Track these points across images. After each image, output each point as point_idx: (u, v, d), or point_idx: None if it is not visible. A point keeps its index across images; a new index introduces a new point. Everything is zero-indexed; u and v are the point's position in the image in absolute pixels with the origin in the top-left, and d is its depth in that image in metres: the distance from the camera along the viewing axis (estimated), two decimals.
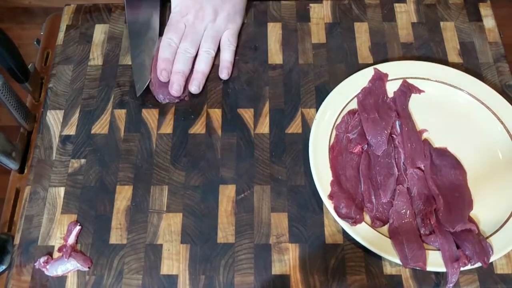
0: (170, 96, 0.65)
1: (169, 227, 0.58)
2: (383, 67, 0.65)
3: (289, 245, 0.57)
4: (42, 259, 0.55)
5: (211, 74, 0.68)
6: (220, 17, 0.67)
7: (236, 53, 0.69)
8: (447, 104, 0.64)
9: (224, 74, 0.67)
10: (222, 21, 0.68)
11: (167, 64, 0.65)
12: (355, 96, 0.64)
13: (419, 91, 0.65)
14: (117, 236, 0.58)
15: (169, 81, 0.65)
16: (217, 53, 0.68)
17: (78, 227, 0.57)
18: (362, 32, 0.70)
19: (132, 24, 0.69)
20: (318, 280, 0.55)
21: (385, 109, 0.62)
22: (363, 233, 0.55)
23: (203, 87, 0.66)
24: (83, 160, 0.62)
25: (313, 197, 0.59)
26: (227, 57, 0.67)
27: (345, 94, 0.64)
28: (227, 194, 0.60)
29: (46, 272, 0.55)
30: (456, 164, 0.60)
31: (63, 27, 0.72)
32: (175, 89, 0.64)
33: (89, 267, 0.56)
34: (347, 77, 0.65)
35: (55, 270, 0.55)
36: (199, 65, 0.66)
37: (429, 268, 0.54)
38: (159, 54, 0.66)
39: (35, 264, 0.56)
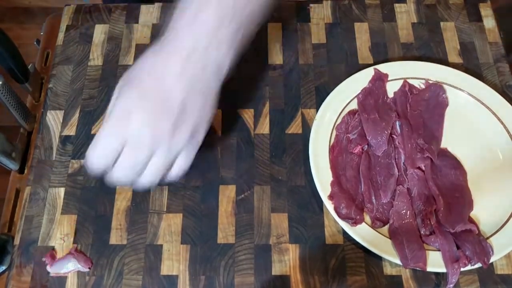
0: None
1: (169, 228, 0.58)
2: (383, 67, 0.65)
3: (289, 245, 0.57)
4: (44, 258, 0.56)
5: None
6: (181, 132, 0.48)
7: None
8: None
9: (171, 176, 0.51)
10: (183, 136, 0.49)
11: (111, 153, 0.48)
12: (355, 97, 0.64)
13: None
14: (117, 236, 0.58)
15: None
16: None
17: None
18: (362, 32, 0.70)
19: None
20: (318, 281, 0.55)
21: (385, 110, 0.62)
22: (363, 233, 0.55)
23: None
24: (83, 161, 0.62)
25: (313, 198, 0.59)
26: (181, 163, 0.50)
27: (345, 95, 0.64)
28: (227, 194, 0.60)
29: (49, 269, 0.55)
30: (456, 164, 0.60)
31: (63, 27, 0.72)
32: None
33: (89, 268, 0.56)
34: (347, 78, 0.65)
35: (56, 269, 0.55)
36: (145, 178, 0.49)
37: (429, 268, 0.54)
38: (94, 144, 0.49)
39: (43, 259, 0.56)
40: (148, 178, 0.49)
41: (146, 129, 0.47)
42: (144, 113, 0.47)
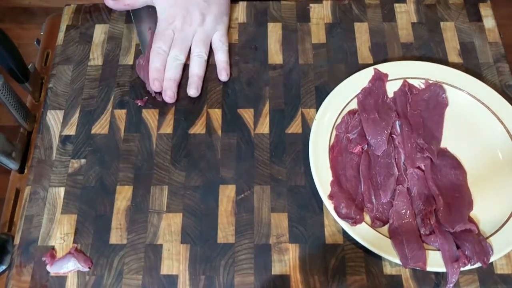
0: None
1: (169, 227, 0.58)
2: (383, 67, 0.65)
3: (289, 245, 0.57)
4: (44, 258, 0.56)
5: (211, 74, 0.68)
6: (208, 20, 0.67)
7: (230, 53, 0.69)
8: None
9: (223, 75, 0.67)
10: (210, 23, 0.67)
11: (158, 73, 0.65)
12: (355, 96, 0.64)
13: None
14: (117, 236, 0.58)
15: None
16: (210, 56, 0.68)
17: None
18: (362, 32, 0.70)
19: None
20: (318, 281, 0.55)
21: (385, 109, 0.62)
22: (363, 233, 0.55)
23: (202, 88, 0.66)
24: (83, 160, 0.62)
25: (313, 197, 0.59)
26: (222, 57, 0.67)
27: (345, 94, 0.64)
28: (227, 194, 0.60)
29: (49, 269, 0.55)
30: (456, 164, 0.60)
31: (63, 27, 0.72)
32: (169, 96, 0.64)
33: (89, 268, 0.56)
34: (347, 77, 0.65)
35: (56, 269, 0.55)
36: (193, 69, 0.66)
37: (429, 268, 0.54)
38: (150, 64, 0.66)
39: (43, 258, 0.56)
40: (196, 70, 0.66)
41: (185, 23, 0.66)
42: (179, 14, 0.66)
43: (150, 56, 0.66)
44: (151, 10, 0.70)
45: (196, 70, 0.66)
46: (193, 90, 0.65)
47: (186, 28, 0.66)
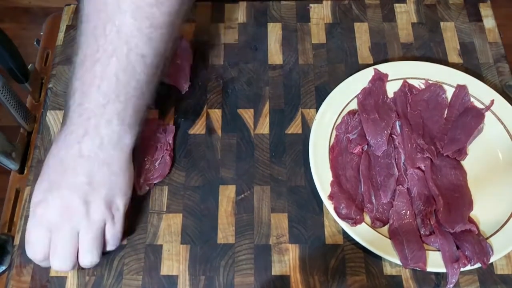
0: None
1: (169, 228, 0.58)
2: (383, 68, 0.65)
3: (289, 245, 0.57)
4: None
5: (210, 75, 0.67)
6: (93, 208, 0.50)
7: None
8: None
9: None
10: (98, 212, 0.50)
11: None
12: (355, 97, 0.64)
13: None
14: None
15: None
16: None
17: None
18: (362, 32, 0.70)
19: None
20: (318, 281, 0.55)
21: (385, 110, 0.62)
22: (363, 233, 0.55)
23: (203, 88, 0.66)
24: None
25: (313, 198, 0.59)
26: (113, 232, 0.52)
27: (345, 95, 0.64)
28: (227, 194, 0.60)
29: None
30: (456, 165, 0.60)
31: (63, 27, 0.72)
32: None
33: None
34: (347, 78, 0.65)
35: None
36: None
37: (429, 268, 0.54)
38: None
39: None
40: (87, 258, 0.50)
41: (60, 213, 0.49)
42: (54, 200, 0.49)
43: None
44: None
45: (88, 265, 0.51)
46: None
47: (65, 224, 0.49)
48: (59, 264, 0.49)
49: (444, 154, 0.60)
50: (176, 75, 0.66)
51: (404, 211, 0.57)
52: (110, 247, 0.53)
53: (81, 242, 0.50)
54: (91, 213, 0.50)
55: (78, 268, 0.52)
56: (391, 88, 0.65)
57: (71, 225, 0.49)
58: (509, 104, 0.63)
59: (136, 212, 0.59)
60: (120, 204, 0.52)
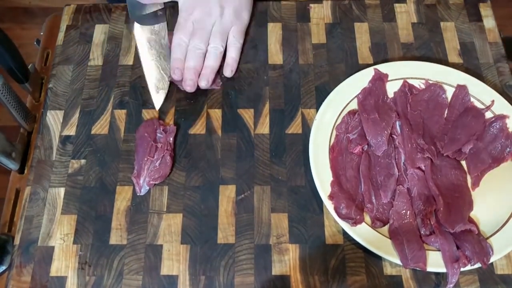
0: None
1: (169, 228, 0.58)
2: (383, 68, 0.65)
3: (289, 245, 0.57)
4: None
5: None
6: (226, 13, 0.68)
7: (242, 51, 0.69)
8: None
9: (227, 71, 0.67)
10: (228, 16, 0.68)
11: (179, 63, 0.66)
12: (355, 97, 0.64)
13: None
14: (117, 236, 0.58)
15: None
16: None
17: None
18: (362, 33, 0.70)
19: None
20: (318, 281, 0.55)
21: (385, 110, 0.62)
22: (364, 233, 0.55)
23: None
24: (83, 161, 0.62)
25: (313, 198, 0.59)
26: (231, 54, 0.68)
27: (345, 95, 0.64)
28: (227, 194, 0.60)
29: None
30: (456, 165, 0.60)
31: (63, 27, 0.72)
32: (189, 85, 0.65)
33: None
34: (347, 78, 0.65)
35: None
36: (207, 61, 0.67)
37: (429, 268, 0.54)
38: (171, 55, 0.67)
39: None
40: (210, 62, 0.66)
41: (204, 14, 0.67)
42: (199, 6, 0.67)
43: (172, 47, 0.67)
44: None
45: (211, 62, 0.67)
46: (204, 82, 0.65)
47: (205, 19, 0.67)
48: (196, 42, 0.66)
49: (444, 154, 0.60)
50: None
51: (404, 211, 0.57)
52: (232, 43, 0.68)
53: (212, 33, 0.67)
54: (224, 14, 0.68)
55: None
56: (391, 88, 0.65)
57: (209, 20, 0.67)
58: (509, 104, 0.63)
59: (136, 212, 0.59)
60: (246, 16, 0.70)
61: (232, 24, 0.68)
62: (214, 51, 0.67)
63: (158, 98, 0.65)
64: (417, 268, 0.54)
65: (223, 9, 0.67)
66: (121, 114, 0.65)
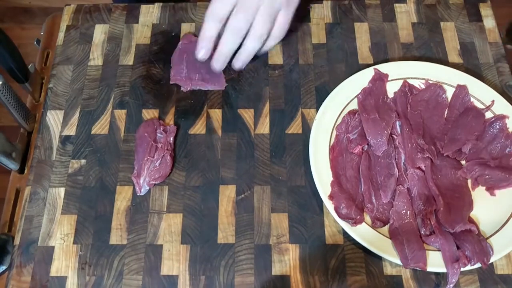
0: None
1: (169, 228, 0.58)
2: (383, 68, 0.65)
3: (290, 245, 0.57)
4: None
5: None
6: None
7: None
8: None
9: (238, 63, 0.61)
10: None
11: (210, 43, 0.58)
12: (355, 97, 0.64)
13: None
14: (117, 236, 0.58)
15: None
16: None
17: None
18: (362, 33, 0.70)
19: None
20: (318, 281, 0.55)
21: (386, 110, 0.62)
22: (364, 233, 0.55)
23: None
24: (83, 161, 0.62)
25: (313, 198, 0.59)
26: (266, 48, 0.61)
27: (345, 95, 0.64)
28: (227, 194, 0.60)
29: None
30: (456, 165, 0.60)
31: (63, 27, 0.72)
32: (219, 67, 0.59)
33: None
34: (347, 78, 0.65)
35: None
36: (248, 45, 0.59)
37: (429, 268, 0.54)
38: (202, 28, 0.58)
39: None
40: (259, 25, 0.58)
41: None
42: None
43: (205, 18, 0.58)
44: None
45: (252, 45, 0.59)
46: (239, 63, 0.59)
47: None
48: (237, 22, 0.57)
49: (444, 154, 0.60)
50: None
51: (404, 211, 0.57)
52: (279, 30, 0.60)
53: (260, 12, 0.57)
54: None
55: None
56: (391, 88, 0.65)
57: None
58: (509, 104, 0.63)
59: (136, 212, 0.59)
60: (295, 4, 0.60)
61: (283, 8, 0.59)
62: (258, 39, 0.59)
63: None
64: (417, 268, 0.54)
65: None
66: (121, 114, 0.65)
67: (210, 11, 0.58)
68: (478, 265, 0.53)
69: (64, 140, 0.63)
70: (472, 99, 0.63)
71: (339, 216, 0.56)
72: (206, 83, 0.66)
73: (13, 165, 0.64)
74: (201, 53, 0.59)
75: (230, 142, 0.63)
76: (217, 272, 0.56)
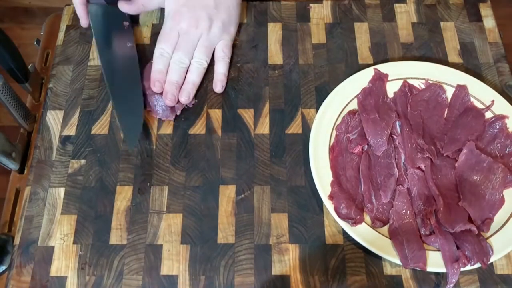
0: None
1: (169, 228, 0.58)
2: (383, 68, 0.65)
3: (289, 245, 0.57)
4: None
5: (211, 74, 0.67)
6: (214, 26, 0.65)
7: (230, 60, 0.68)
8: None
9: (218, 87, 0.66)
10: (216, 31, 0.66)
11: (160, 75, 0.64)
12: (355, 97, 0.64)
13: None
14: (117, 236, 0.58)
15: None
16: (210, 64, 0.67)
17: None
18: (362, 32, 0.70)
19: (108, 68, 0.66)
20: (318, 281, 0.55)
21: (385, 110, 0.62)
22: (363, 233, 0.55)
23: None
24: (83, 161, 0.62)
25: (313, 198, 0.59)
26: (221, 69, 0.66)
27: (345, 95, 0.64)
28: (227, 194, 0.60)
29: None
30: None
31: (63, 27, 0.72)
32: (169, 99, 0.63)
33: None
34: (347, 78, 0.65)
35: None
36: (190, 76, 0.65)
37: (429, 268, 0.54)
38: (152, 66, 0.65)
39: None
40: (193, 77, 0.65)
41: (191, 25, 0.65)
42: (187, 16, 0.65)
43: (154, 57, 0.65)
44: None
45: (193, 77, 0.65)
46: (184, 97, 0.63)
47: (192, 31, 0.65)
48: (180, 56, 0.64)
49: (444, 154, 0.60)
50: None
51: (404, 211, 0.57)
52: (221, 58, 0.67)
53: (198, 46, 0.66)
54: (212, 28, 0.66)
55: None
56: (391, 88, 0.65)
57: (195, 33, 0.65)
58: (509, 104, 0.63)
59: (136, 212, 0.59)
60: (233, 30, 0.68)
61: (220, 39, 0.67)
62: (198, 66, 0.65)
63: (131, 138, 0.61)
64: (417, 268, 0.54)
65: (211, 22, 0.65)
66: None
67: (157, 50, 0.65)
68: (478, 265, 0.53)
69: (64, 140, 0.63)
70: (472, 99, 0.63)
71: (339, 216, 0.56)
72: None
73: (13, 165, 0.64)
74: (156, 85, 0.64)
75: (230, 142, 0.63)
76: (217, 272, 0.56)
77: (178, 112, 0.64)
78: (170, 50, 0.65)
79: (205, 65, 0.66)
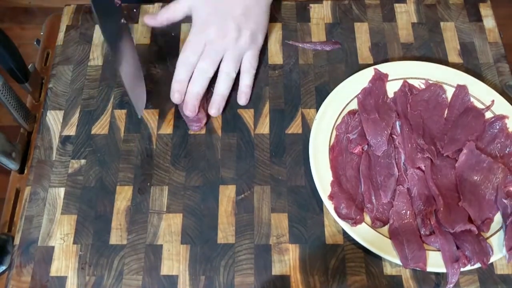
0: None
1: (169, 228, 0.58)
2: (383, 67, 0.65)
3: (289, 245, 0.57)
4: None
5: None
6: (243, 36, 0.63)
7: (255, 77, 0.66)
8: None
9: (242, 100, 0.64)
10: (244, 40, 0.63)
11: (181, 85, 0.62)
12: (355, 97, 0.64)
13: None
14: (117, 236, 0.58)
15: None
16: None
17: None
18: (362, 32, 0.70)
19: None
20: (318, 281, 0.55)
21: (385, 110, 0.62)
22: (364, 233, 0.55)
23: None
24: (83, 161, 0.62)
25: (313, 198, 0.59)
26: (246, 81, 0.64)
27: (345, 95, 0.64)
28: (227, 194, 0.60)
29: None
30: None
31: (63, 27, 0.72)
32: (190, 110, 0.61)
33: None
34: (347, 78, 0.65)
35: None
36: (219, 88, 0.63)
37: (429, 268, 0.54)
38: (175, 74, 0.63)
39: None
40: (222, 89, 0.63)
41: (219, 35, 0.62)
42: (215, 24, 0.62)
43: (176, 65, 0.63)
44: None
45: (222, 89, 0.63)
46: (214, 110, 0.62)
47: (219, 41, 0.62)
48: (205, 65, 0.62)
49: (444, 154, 0.60)
50: None
51: (404, 211, 0.57)
52: (247, 69, 0.64)
53: (225, 57, 0.63)
54: (240, 38, 0.63)
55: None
56: (391, 88, 0.65)
57: (222, 43, 0.63)
58: (509, 104, 0.63)
59: (136, 212, 0.59)
60: (261, 39, 0.66)
61: (248, 49, 0.64)
62: (227, 77, 0.63)
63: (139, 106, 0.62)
64: (417, 268, 0.54)
65: (240, 32, 0.63)
66: (121, 114, 0.65)
67: (181, 58, 0.63)
68: (478, 265, 0.53)
69: (64, 140, 0.63)
70: (472, 99, 0.63)
71: (339, 216, 0.56)
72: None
73: (13, 165, 0.64)
74: (175, 96, 0.62)
75: (230, 142, 0.63)
76: (217, 272, 0.56)
77: (203, 123, 0.63)
78: (195, 59, 0.63)
79: (234, 76, 0.64)
